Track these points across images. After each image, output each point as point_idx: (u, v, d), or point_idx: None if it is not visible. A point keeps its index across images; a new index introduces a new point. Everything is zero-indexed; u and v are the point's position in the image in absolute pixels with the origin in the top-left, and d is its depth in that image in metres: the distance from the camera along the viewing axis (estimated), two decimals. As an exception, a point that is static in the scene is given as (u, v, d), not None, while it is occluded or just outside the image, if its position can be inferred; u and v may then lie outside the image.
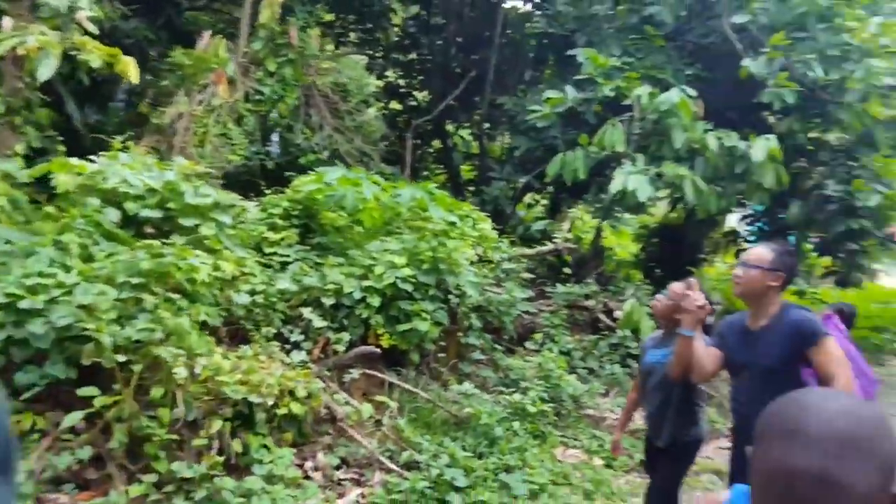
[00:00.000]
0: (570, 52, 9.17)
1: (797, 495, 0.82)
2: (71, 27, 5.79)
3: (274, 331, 4.77)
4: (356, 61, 12.11)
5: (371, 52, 12.70)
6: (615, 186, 7.09)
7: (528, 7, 12.39)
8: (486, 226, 6.46)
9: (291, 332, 4.91)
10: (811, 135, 9.35)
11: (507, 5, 11.98)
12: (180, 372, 3.70)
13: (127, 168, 4.91)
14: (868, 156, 8.63)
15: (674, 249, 10.00)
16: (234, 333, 4.73)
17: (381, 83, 12.42)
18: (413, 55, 13.00)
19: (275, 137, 10.74)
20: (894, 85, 8.02)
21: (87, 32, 5.79)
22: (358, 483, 4.20)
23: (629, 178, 7.12)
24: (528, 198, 10.74)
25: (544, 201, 10.92)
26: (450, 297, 5.45)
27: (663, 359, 3.36)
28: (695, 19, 9.72)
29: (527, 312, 6.46)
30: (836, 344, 2.85)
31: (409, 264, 5.42)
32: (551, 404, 5.31)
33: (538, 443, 4.90)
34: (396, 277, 5.24)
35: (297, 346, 4.81)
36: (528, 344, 6.27)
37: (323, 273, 5.29)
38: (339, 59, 11.15)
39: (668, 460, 3.44)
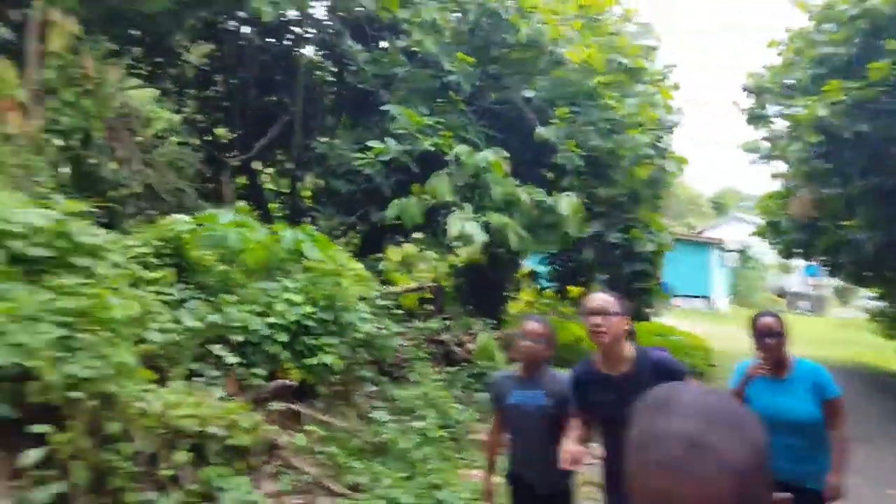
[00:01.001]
0: (383, 108, 9.95)
1: (670, 458, 0.81)
2: None
3: (188, 368, 4.59)
4: (150, 94, 11.57)
5: (164, 87, 12.15)
6: (454, 230, 7.94)
7: (319, 56, 12.96)
8: (360, 266, 6.78)
9: (204, 368, 4.76)
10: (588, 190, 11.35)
11: (302, 51, 12.44)
12: (141, 406, 3.56)
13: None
14: (635, 210, 10.69)
15: (481, 286, 11.16)
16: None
17: (177, 117, 11.94)
18: (210, 92, 12.74)
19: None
20: (650, 153, 10.28)
21: None
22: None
23: (465, 224, 8.05)
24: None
25: (355, 240, 11.44)
26: (346, 332, 5.68)
27: (536, 401, 3.17)
28: (488, 89, 11.22)
29: (400, 346, 6.88)
30: None
31: (305, 302, 5.57)
32: (446, 430, 5.78)
33: (447, 465, 5.32)
34: (299, 314, 5.36)
35: (212, 382, 4.68)
36: (410, 376, 6.67)
37: (224, 311, 5.19)
38: (129, 92, 10.53)
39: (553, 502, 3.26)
